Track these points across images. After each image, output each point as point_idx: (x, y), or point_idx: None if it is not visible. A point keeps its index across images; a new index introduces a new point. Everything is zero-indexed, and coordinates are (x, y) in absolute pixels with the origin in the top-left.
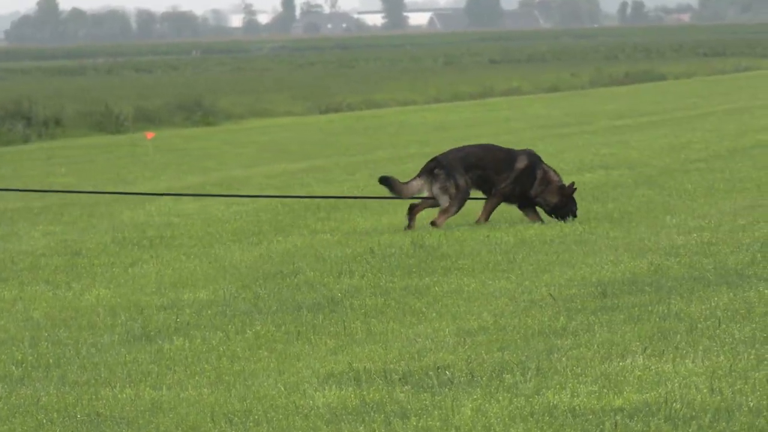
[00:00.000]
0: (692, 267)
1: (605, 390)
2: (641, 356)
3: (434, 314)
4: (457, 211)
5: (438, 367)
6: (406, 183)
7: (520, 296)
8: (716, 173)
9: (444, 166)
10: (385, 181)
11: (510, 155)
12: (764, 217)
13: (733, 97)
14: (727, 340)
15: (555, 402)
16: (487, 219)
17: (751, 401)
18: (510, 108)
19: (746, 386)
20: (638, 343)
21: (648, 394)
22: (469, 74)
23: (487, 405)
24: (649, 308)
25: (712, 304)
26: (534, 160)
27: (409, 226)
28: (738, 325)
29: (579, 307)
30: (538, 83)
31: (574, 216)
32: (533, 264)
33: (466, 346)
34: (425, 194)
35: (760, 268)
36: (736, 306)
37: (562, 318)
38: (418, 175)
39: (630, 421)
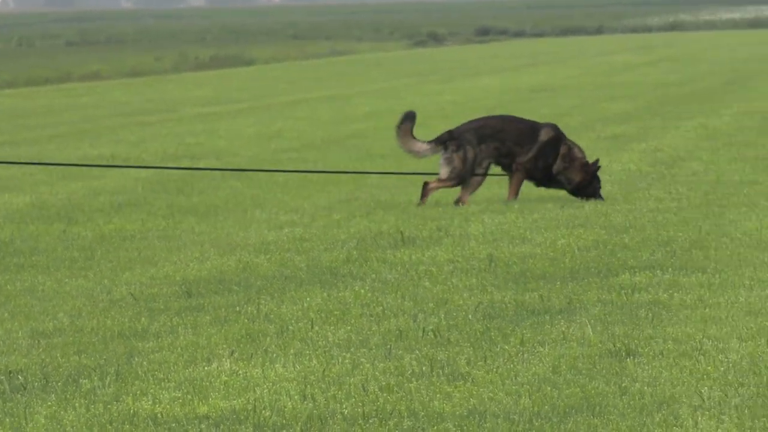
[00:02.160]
0: (283, 265)
1: (189, 396)
2: (228, 360)
3: (6, 315)
4: (453, 185)
5: (10, 372)
6: (415, 138)
7: (98, 296)
8: (309, 164)
9: (456, 138)
10: (409, 116)
11: (532, 127)
12: (360, 212)
13: (328, 83)
14: (320, 343)
15: (135, 409)
16: (516, 195)
17: (345, 408)
18: (89, 94)
19: (340, 392)
20: (225, 347)
21: (236, 401)
22: (45, 57)
23: (62, 412)
24: (237, 309)
25: (305, 304)
26: (558, 133)
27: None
28: (332, 327)
29: (162, 307)
30: (118, 67)
31: (599, 196)
32: (113, 261)
33: (41, 349)
34: (422, 157)
35: (355, 266)
36: (330, 307)
37: (143, 319)
38: (429, 141)
39: (216, 430)
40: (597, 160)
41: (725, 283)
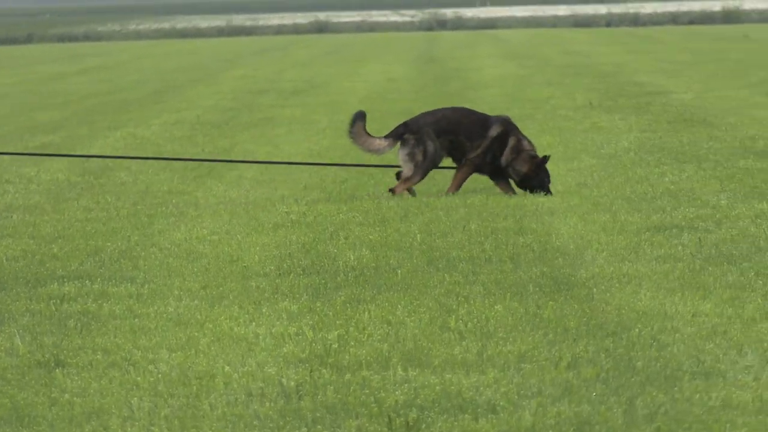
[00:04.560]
0: None
1: None
2: None
3: None
4: (419, 181)
5: None
6: (371, 136)
7: None
8: None
9: (414, 132)
10: (359, 116)
11: (484, 121)
12: None
13: None
14: None
15: None
16: (458, 189)
17: None
18: None
19: None
20: None
21: None
22: None
23: None
24: None
25: None
26: (509, 127)
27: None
28: None
29: None
30: None
31: (546, 190)
32: None
33: None
34: (382, 154)
35: None
36: None
37: None
38: (385, 136)
39: None
40: (547, 155)
41: (154, 293)
